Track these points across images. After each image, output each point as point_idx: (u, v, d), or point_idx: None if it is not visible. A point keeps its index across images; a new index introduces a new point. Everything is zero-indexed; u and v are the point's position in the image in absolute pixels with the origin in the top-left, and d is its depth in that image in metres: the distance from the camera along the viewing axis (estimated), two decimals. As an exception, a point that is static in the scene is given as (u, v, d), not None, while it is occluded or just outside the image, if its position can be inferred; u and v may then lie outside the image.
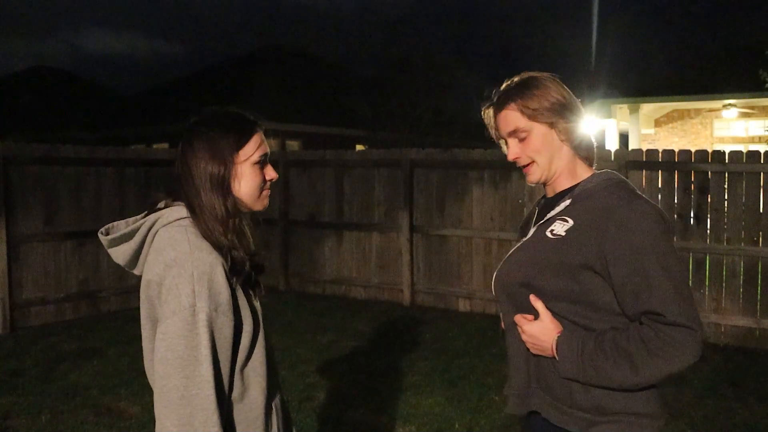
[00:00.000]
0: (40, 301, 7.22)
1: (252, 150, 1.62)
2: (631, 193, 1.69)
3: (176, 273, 1.47)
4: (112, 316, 7.56)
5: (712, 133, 15.69)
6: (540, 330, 1.68)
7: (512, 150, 1.78)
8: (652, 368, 1.55)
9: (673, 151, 6.69)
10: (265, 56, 21.60)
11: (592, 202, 1.69)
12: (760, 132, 14.81)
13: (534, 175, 1.78)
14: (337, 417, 4.58)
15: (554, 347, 1.65)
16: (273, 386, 1.68)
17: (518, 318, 1.74)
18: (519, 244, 1.81)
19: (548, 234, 1.71)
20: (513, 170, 7.50)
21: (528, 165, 1.78)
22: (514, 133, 1.76)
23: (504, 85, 1.80)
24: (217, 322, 1.48)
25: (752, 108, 14.61)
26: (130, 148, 8.57)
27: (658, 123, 16.21)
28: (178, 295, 1.46)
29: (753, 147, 11.91)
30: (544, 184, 1.83)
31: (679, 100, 14.38)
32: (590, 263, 1.62)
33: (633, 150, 7.10)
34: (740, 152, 6.45)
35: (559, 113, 1.73)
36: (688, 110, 15.72)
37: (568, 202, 1.74)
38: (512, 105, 1.75)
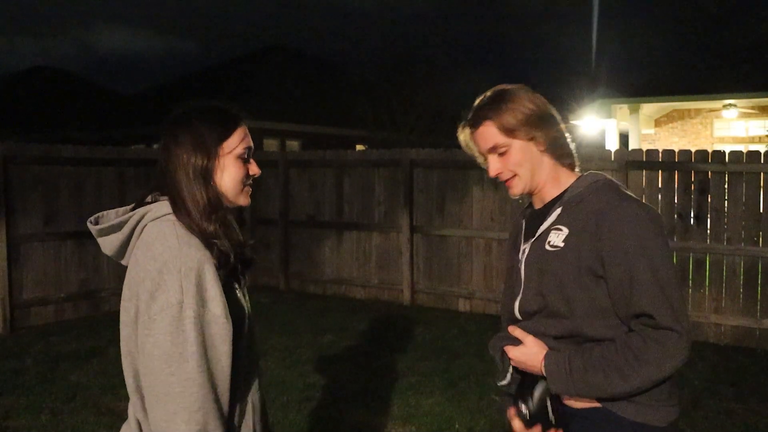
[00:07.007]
0: (40, 301, 7.22)
1: (236, 143, 1.62)
2: (619, 194, 1.69)
3: (164, 269, 1.47)
4: (112, 316, 7.55)
5: (712, 133, 15.67)
6: (524, 353, 1.70)
7: (493, 166, 1.77)
8: (642, 375, 1.57)
9: (673, 151, 6.69)
10: (265, 56, 21.60)
11: (583, 207, 1.69)
12: (760, 132, 14.80)
13: (517, 188, 1.78)
14: (337, 417, 4.58)
15: (542, 368, 1.67)
16: (253, 381, 1.67)
17: (508, 348, 1.75)
18: (523, 266, 1.79)
19: (547, 247, 1.71)
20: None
21: (510, 179, 1.77)
22: (493, 150, 1.75)
23: (477, 102, 1.79)
24: (205, 318, 1.47)
25: (752, 108, 14.60)
26: (130, 148, 8.58)
27: (658, 123, 16.20)
28: (165, 291, 1.45)
29: (753, 147, 11.90)
30: (530, 194, 1.82)
31: (679, 100, 14.37)
32: (592, 267, 1.64)
33: (633, 150, 7.10)
34: (740, 152, 6.45)
35: (536, 124, 1.72)
36: (688, 110, 15.70)
37: (558, 210, 1.74)
38: (488, 122, 1.74)
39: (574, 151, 1.80)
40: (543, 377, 1.70)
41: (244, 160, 1.64)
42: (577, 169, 1.82)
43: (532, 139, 1.73)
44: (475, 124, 1.77)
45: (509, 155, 1.74)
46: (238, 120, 1.64)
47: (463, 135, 1.82)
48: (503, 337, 1.81)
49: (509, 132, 1.71)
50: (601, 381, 1.59)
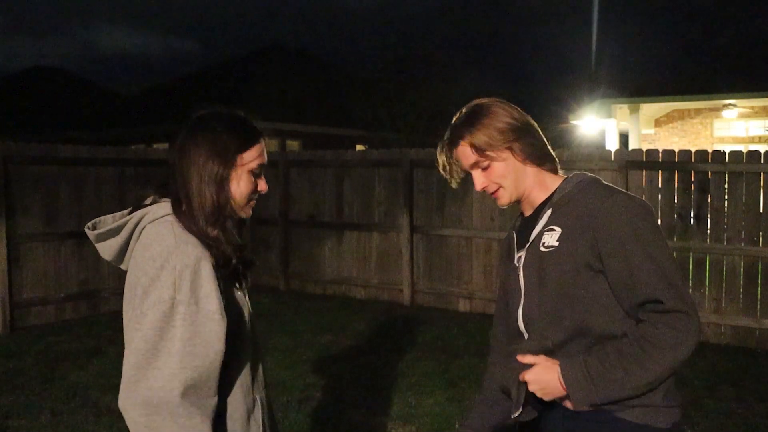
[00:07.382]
0: (40, 301, 7.22)
1: (252, 157, 1.63)
2: (607, 189, 1.71)
3: (160, 266, 1.48)
4: (112, 316, 7.54)
5: (712, 133, 15.67)
6: (539, 372, 1.67)
7: (478, 180, 1.81)
8: (662, 361, 1.57)
9: (673, 151, 6.70)
10: (265, 56, 21.59)
11: (573, 205, 1.71)
12: (760, 132, 14.80)
13: (503, 199, 1.82)
14: (337, 417, 4.58)
15: (560, 380, 1.64)
16: (258, 379, 1.69)
17: (522, 374, 1.73)
18: (522, 272, 1.79)
19: (542, 249, 1.72)
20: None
21: (496, 191, 1.81)
22: (475, 166, 1.79)
23: (453, 120, 1.83)
24: (199, 315, 1.47)
25: (752, 108, 14.60)
26: (130, 148, 8.58)
27: (658, 123, 16.19)
28: (159, 288, 1.46)
29: (753, 147, 11.90)
30: (519, 201, 1.85)
31: (679, 100, 14.36)
32: (590, 262, 1.64)
33: (633, 150, 7.11)
34: (740, 152, 6.45)
35: (513, 136, 1.75)
36: (688, 110, 15.70)
37: (549, 212, 1.75)
38: (465, 140, 1.77)
39: (554, 156, 1.83)
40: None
41: (256, 175, 1.65)
42: (560, 172, 1.84)
43: (511, 151, 1.76)
44: (452, 144, 1.82)
45: (492, 169, 1.78)
46: (258, 135, 1.65)
47: (442, 157, 1.86)
48: (512, 368, 1.77)
49: (487, 148, 1.75)
50: (621, 376, 1.58)
